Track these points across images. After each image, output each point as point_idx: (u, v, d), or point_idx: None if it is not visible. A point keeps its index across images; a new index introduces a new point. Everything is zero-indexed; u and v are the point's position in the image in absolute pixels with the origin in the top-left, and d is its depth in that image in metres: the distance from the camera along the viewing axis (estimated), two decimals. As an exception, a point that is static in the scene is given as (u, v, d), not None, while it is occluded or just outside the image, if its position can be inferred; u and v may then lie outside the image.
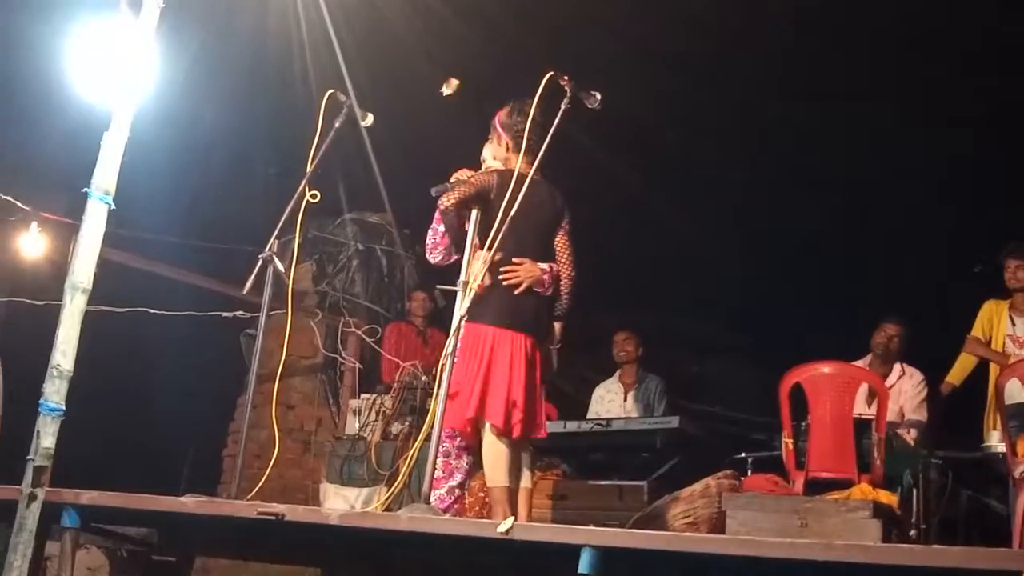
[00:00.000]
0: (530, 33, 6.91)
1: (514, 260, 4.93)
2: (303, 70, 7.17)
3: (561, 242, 5.15)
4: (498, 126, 5.22)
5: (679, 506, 5.41)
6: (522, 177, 4.79)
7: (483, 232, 4.86)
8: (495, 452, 4.82)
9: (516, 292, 4.90)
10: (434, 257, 5.36)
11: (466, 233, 4.97)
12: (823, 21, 6.84)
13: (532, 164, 4.90)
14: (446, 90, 5.40)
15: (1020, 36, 6.43)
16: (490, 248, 4.76)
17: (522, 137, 4.96)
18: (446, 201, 4.99)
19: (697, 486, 5.51)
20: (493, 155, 5.27)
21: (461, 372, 4.85)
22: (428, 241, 5.38)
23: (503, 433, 4.82)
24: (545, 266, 5.02)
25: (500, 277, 4.88)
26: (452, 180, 5.17)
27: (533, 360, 4.92)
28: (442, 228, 5.18)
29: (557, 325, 5.21)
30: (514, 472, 4.89)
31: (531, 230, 5.00)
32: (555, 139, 4.84)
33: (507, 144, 5.14)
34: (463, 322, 4.89)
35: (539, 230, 5.06)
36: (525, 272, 4.94)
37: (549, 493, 6.45)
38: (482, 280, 4.80)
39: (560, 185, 5.18)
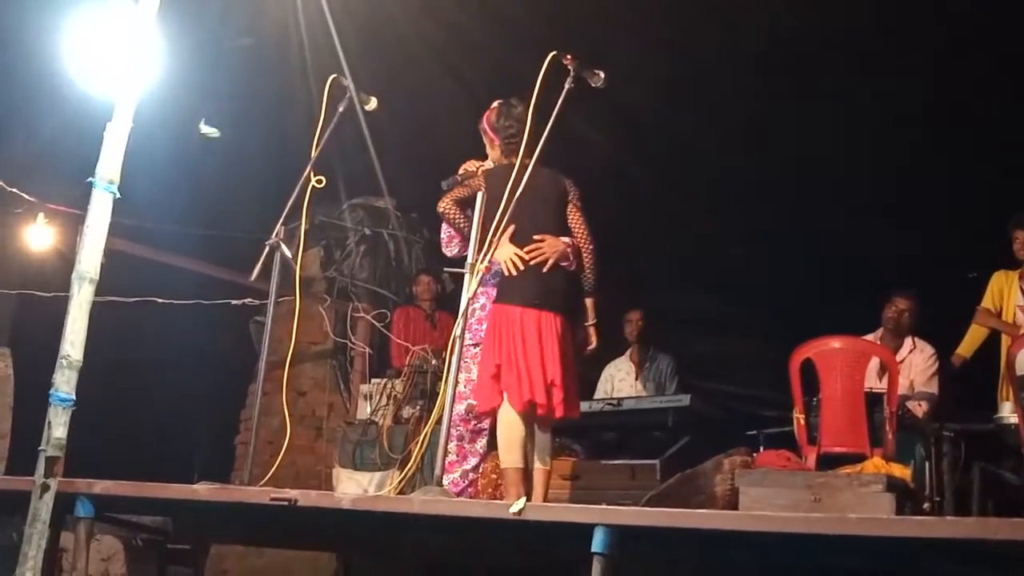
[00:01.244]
0: (531, 17, 6.87)
1: (535, 237, 4.91)
2: (302, 56, 7.16)
3: (574, 217, 5.15)
4: (488, 130, 5.23)
5: (692, 484, 5.41)
6: (521, 167, 4.80)
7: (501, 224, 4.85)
8: (510, 433, 4.81)
9: (544, 269, 4.89)
10: (451, 250, 5.40)
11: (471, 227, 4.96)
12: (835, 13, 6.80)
13: (528, 156, 4.90)
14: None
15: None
16: (494, 234, 4.76)
17: (513, 141, 4.97)
18: (440, 206, 5.09)
19: (709, 463, 5.51)
20: (489, 156, 5.29)
21: (491, 354, 4.85)
22: (443, 235, 5.42)
23: (541, 413, 4.80)
24: (567, 240, 5.02)
25: (527, 256, 4.87)
26: (461, 171, 5.15)
27: (565, 339, 4.91)
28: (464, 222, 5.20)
29: (588, 301, 5.19)
30: (528, 453, 4.88)
31: (542, 210, 5.00)
32: (562, 124, 4.84)
33: (499, 148, 5.16)
34: (487, 303, 4.91)
35: (550, 209, 5.07)
36: (550, 247, 4.92)
37: (562, 473, 6.45)
38: (509, 268, 4.83)
39: (558, 165, 5.16)
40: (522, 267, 4.87)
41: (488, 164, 5.28)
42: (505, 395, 4.83)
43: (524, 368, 4.76)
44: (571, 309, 5.02)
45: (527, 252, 4.89)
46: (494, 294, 5.31)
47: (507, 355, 4.80)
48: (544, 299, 4.87)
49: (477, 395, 4.94)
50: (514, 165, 4.80)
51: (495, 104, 5.23)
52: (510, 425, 4.81)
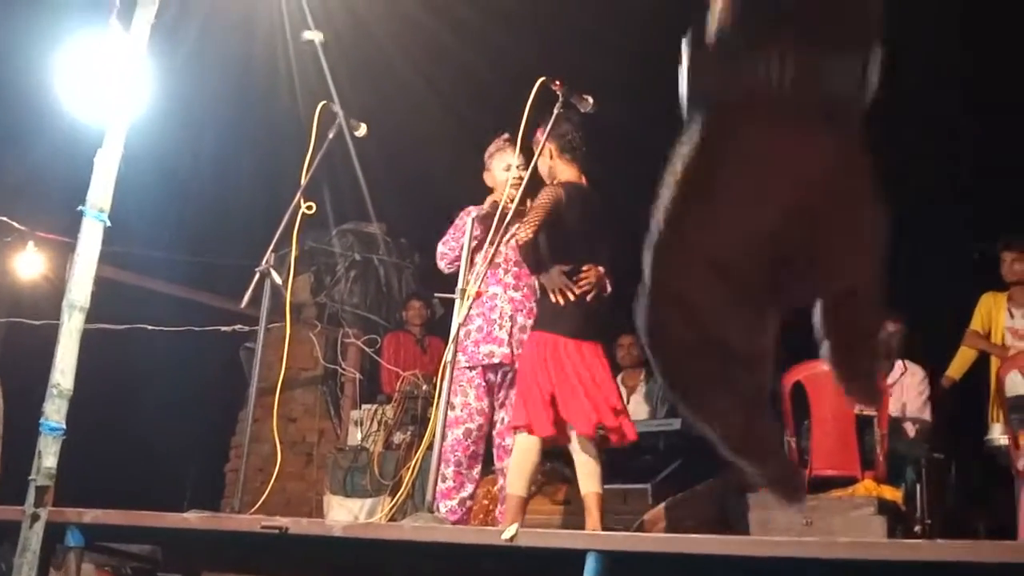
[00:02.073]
0: (520, 44, 6.90)
1: (583, 269, 4.87)
2: (291, 83, 7.18)
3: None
4: (542, 139, 5.00)
5: (683, 508, 5.41)
6: (582, 187, 4.81)
7: (555, 245, 4.84)
8: (526, 460, 4.74)
9: (588, 299, 4.85)
10: (452, 268, 5.37)
11: (543, 257, 4.94)
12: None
13: (581, 172, 4.91)
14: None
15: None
16: (563, 262, 4.79)
17: (575, 146, 4.92)
18: (525, 235, 4.82)
19: (701, 487, 5.51)
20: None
21: (543, 380, 4.76)
22: (448, 252, 5.39)
23: (618, 440, 4.77)
24: (602, 268, 4.99)
25: (577, 289, 4.81)
26: (489, 204, 5.08)
27: (607, 367, 4.87)
28: (464, 242, 5.17)
29: None
30: (534, 483, 4.83)
31: (595, 239, 4.97)
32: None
33: (551, 153, 5.01)
34: (488, 329, 4.88)
35: (600, 238, 5.03)
36: (595, 277, 4.88)
37: (554, 498, 6.44)
38: (557, 296, 4.78)
39: (603, 192, 5.14)
40: (572, 299, 4.81)
41: (492, 200, 5.24)
42: (570, 423, 4.74)
43: (584, 395, 4.69)
44: (608, 336, 4.99)
45: (577, 282, 4.84)
46: (490, 316, 5.31)
47: (563, 383, 4.71)
48: (587, 329, 4.83)
49: (532, 418, 4.80)
50: (578, 181, 4.82)
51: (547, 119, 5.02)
52: (528, 453, 4.74)
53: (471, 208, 5.51)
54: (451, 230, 5.51)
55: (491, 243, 4.86)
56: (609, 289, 4.98)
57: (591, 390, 4.71)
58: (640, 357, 8.11)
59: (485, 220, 5.05)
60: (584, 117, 4.92)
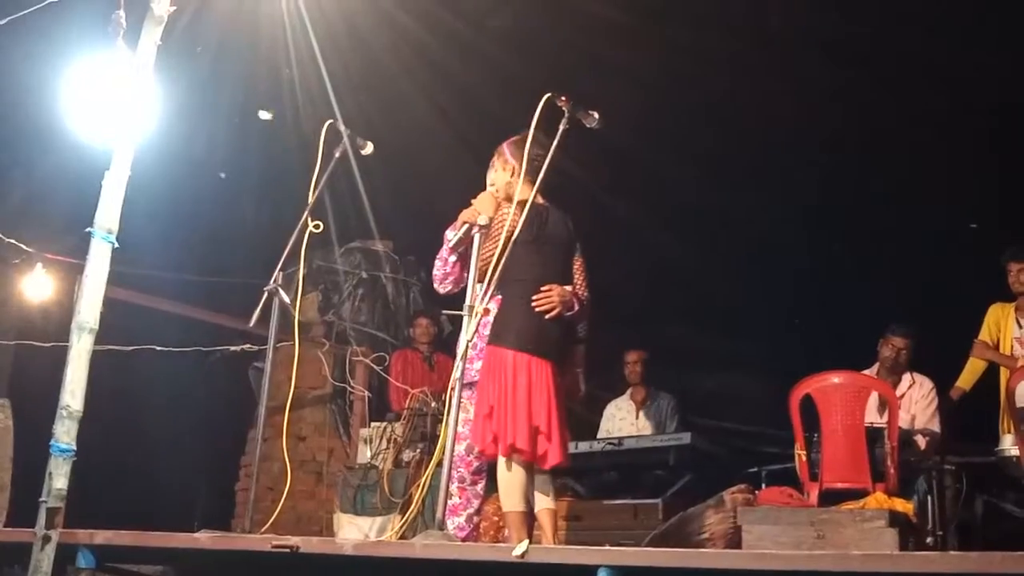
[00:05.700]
0: (523, 64, 6.92)
1: (542, 288, 4.86)
2: (295, 102, 7.21)
3: (576, 265, 5.09)
4: (507, 154, 5.09)
5: (694, 522, 5.40)
6: (538, 206, 4.80)
7: (509, 262, 4.80)
8: (510, 477, 4.77)
9: (547, 317, 4.84)
10: (444, 287, 5.34)
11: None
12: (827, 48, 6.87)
13: (541, 192, 4.90)
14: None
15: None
16: (494, 273, 4.74)
17: (539, 168, 4.91)
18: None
19: (711, 501, 5.50)
20: (492, 181, 5.26)
21: (486, 394, 4.79)
22: (437, 272, 5.36)
23: (525, 459, 4.76)
24: (570, 288, 4.97)
25: (533, 304, 4.81)
26: (461, 222, 5.08)
27: (555, 386, 4.82)
28: (452, 259, 5.16)
29: (579, 348, 5.13)
30: (530, 495, 4.84)
31: (553, 255, 4.96)
32: (563, 163, 4.84)
33: (514, 170, 5.02)
34: (481, 345, 4.88)
35: (559, 255, 5.01)
36: (559, 297, 4.86)
37: (563, 514, 6.43)
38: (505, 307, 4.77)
39: (567, 208, 5.14)
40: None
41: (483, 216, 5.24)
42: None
43: (511, 413, 4.70)
44: (563, 356, 4.96)
45: (535, 299, 4.82)
46: (483, 332, 5.30)
47: (499, 398, 4.75)
48: (537, 345, 4.79)
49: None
50: (536, 200, 4.81)
51: (520, 134, 5.01)
52: (511, 469, 4.76)
53: None
54: (444, 252, 5.49)
55: (474, 262, 4.85)
56: (576, 308, 4.95)
57: (519, 408, 4.69)
58: (645, 373, 8.10)
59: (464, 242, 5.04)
60: (592, 134, 4.91)
